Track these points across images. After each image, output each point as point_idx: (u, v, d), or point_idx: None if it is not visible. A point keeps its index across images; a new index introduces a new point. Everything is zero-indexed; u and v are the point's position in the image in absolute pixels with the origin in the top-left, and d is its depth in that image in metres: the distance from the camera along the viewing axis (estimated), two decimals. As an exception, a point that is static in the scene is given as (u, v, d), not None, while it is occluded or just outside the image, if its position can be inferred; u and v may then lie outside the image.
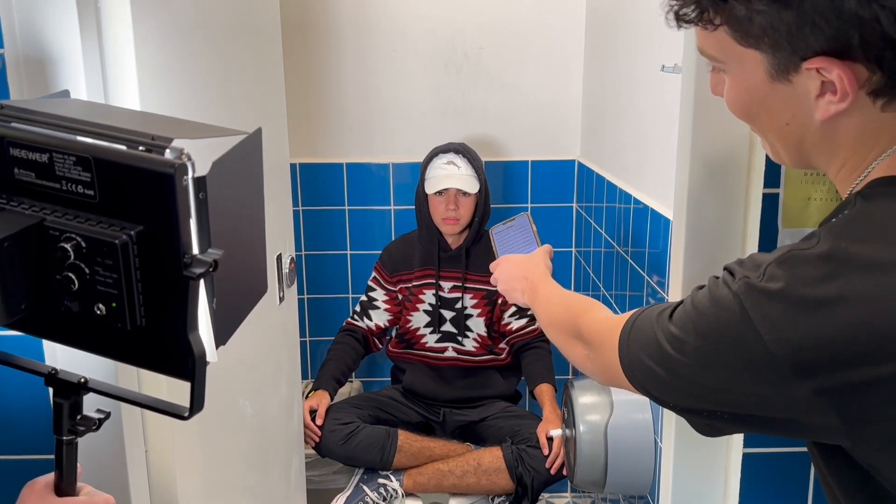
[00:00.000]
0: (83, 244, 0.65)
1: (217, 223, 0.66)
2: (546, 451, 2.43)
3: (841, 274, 0.75)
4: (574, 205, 2.97)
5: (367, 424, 2.54)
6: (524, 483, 2.43)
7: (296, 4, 2.78)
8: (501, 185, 2.93)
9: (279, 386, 2.10)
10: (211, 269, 0.64)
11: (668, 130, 1.79)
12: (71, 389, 0.78)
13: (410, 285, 2.70)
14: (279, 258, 1.99)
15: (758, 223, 1.40)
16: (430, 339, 2.71)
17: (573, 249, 2.99)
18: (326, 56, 2.86)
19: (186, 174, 0.63)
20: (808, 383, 0.75)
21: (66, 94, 0.95)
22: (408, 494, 2.52)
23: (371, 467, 2.55)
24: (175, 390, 0.72)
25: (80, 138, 0.67)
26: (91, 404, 0.81)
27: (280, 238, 2.03)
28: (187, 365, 0.67)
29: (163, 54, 1.41)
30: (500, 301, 2.68)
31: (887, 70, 0.76)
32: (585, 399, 2.01)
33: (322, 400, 2.55)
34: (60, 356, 1.22)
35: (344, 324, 2.81)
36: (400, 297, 2.74)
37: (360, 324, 2.77)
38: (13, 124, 0.70)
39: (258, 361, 1.92)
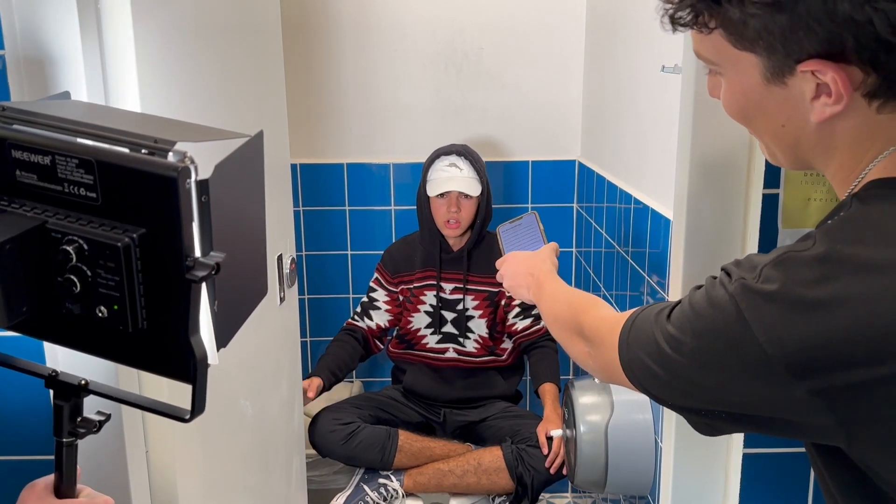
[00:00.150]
0: (85, 247, 0.65)
1: (219, 226, 0.66)
2: (546, 451, 2.43)
3: (836, 276, 0.75)
4: (574, 205, 2.97)
5: (367, 424, 2.55)
6: (524, 483, 2.43)
7: (296, 5, 2.78)
8: (502, 186, 2.93)
9: (280, 386, 2.10)
10: (213, 273, 0.64)
11: (669, 131, 1.79)
12: (71, 392, 0.78)
13: (412, 286, 2.70)
14: (279, 259, 1.99)
15: (758, 223, 1.40)
16: (431, 340, 2.71)
17: (574, 249, 2.99)
18: (327, 56, 2.86)
19: (189, 177, 0.64)
20: (804, 384, 0.75)
21: (66, 95, 0.95)
22: (408, 494, 2.52)
23: (372, 467, 2.55)
24: (176, 392, 0.72)
25: (82, 141, 0.67)
26: (91, 406, 0.82)
27: (280, 238, 2.03)
28: (189, 367, 0.68)
29: (163, 55, 1.41)
30: (502, 302, 2.68)
31: (882, 72, 0.76)
32: (586, 399, 2.01)
33: (313, 382, 2.55)
34: (61, 358, 1.22)
35: (344, 324, 2.81)
36: (401, 297, 2.73)
37: (360, 324, 2.76)
38: (15, 126, 0.70)
39: (259, 362, 1.92)
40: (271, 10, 1.98)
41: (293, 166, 2.77)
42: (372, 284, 2.78)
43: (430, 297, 2.68)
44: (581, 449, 1.96)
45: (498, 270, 1.53)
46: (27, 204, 0.69)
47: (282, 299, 2.02)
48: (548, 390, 2.59)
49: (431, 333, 2.70)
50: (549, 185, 2.95)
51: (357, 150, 2.94)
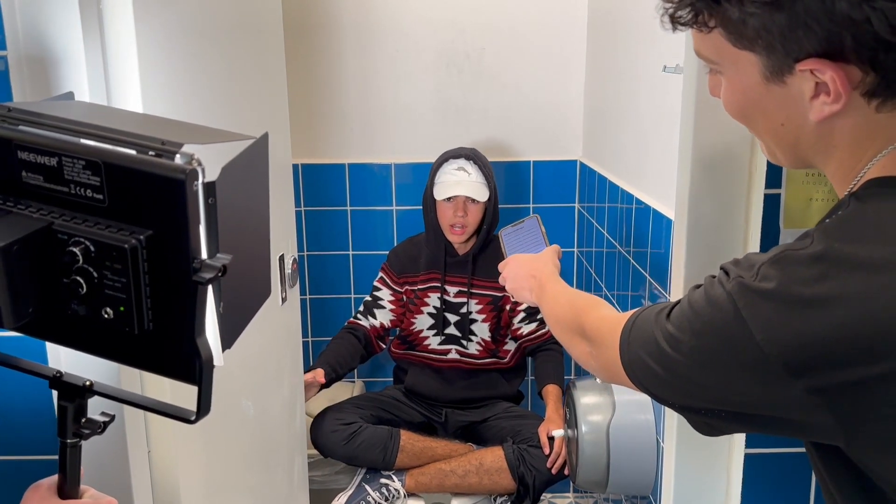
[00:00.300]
0: (92, 248, 0.65)
1: (225, 228, 0.67)
2: (547, 451, 2.43)
3: (834, 274, 0.75)
4: (576, 205, 2.97)
5: (369, 425, 2.55)
6: (526, 482, 2.43)
7: (298, 5, 2.78)
8: (504, 186, 2.93)
9: (281, 386, 2.10)
10: (220, 275, 0.65)
11: (670, 131, 1.79)
12: (76, 392, 0.78)
13: (416, 288, 2.70)
14: (281, 259, 1.99)
15: (759, 224, 1.40)
16: (433, 342, 2.71)
17: (575, 250, 2.99)
18: (328, 57, 2.86)
19: (197, 180, 0.64)
20: (801, 382, 0.76)
21: (70, 96, 0.95)
22: (410, 494, 2.52)
23: (373, 467, 2.55)
24: (178, 392, 0.73)
25: (89, 142, 0.67)
26: (95, 407, 0.82)
27: (282, 239, 2.03)
28: (194, 369, 0.68)
29: (165, 55, 1.41)
30: (508, 307, 2.68)
31: (880, 71, 0.76)
32: (587, 399, 2.01)
33: (318, 372, 2.53)
34: (64, 358, 1.22)
35: (346, 323, 2.80)
36: (405, 298, 2.73)
37: (363, 322, 2.75)
38: (21, 127, 0.70)
39: (260, 362, 1.92)
40: (273, 10, 1.98)
41: (294, 166, 2.77)
42: (376, 283, 2.77)
43: (433, 300, 2.68)
44: (583, 449, 1.97)
45: (500, 273, 1.52)
46: (33, 205, 0.69)
47: (283, 299, 2.02)
48: (551, 391, 2.59)
49: (434, 335, 2.70)
50: (551, 186, 2.95)
51: (359, 150, 2.94)
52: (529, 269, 1.43)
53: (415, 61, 2.86)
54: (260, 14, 1.90)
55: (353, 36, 2.84)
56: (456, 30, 2.83)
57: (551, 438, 2.43)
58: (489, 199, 2.57)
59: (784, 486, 1.51)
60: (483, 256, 2.66)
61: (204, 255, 0.65)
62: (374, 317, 2.75)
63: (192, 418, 0.71)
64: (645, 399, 1.93)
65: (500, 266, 1.52)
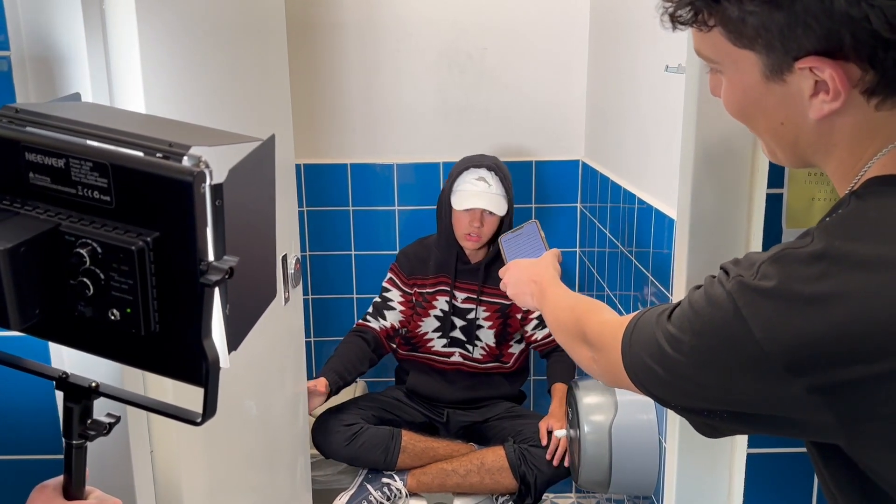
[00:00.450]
0: (99, 250, 0.65)
1: (231, 230, 0.67)
2: (545, 443, 2.44)
3: (834, 272, 0.75)
4: (578, 205, 2.97)
5: (370, 425, 2.55)
6: (527, 482, 2.43)
7: (300, 5, 2.79)
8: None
9: (284, 386, 2.10)
10: (226, 277, 0.65)
11: (672, 130, 1.79)
12: (82, 394, 0.78)
13: (424, 290, 2.68)
14: (284, 259, 1.99)
15: (761, 223, 1.40)
16: (437, 344, 2.71)
17: (577, 250, 2.99)
18: (330, 57, 2.86)
19: (204, 182, 0.64)
20: (802, 381, 0.76)
21: (76, 97, 0.95)
22: (411, 494, 2.53)
23: (375, 468, 2.56)
24: (180, 393, 0.73)
25: (96, 144, 0.67)
26: (100, 408, 0.82)
27: (285, 239, 2.03)
28: (200, 370, 0.68)
29: (168, 55, 1.41)
30: (519, 316, 2.68)
31: (879, 69, 0.77)
32: (590, 399, 2.02)
33: (319, 381, 2.49)
34: (67, 359, 1.22)
35: (354, 325, 2.77)
36: (414, 300, 2.71)
37: (372, 324, 2.72)
38: (28, 129, 0.70)
39: (264, 362, 1.92)
40: (276, 10, 1.98)
41: (297, 167, 2.76)
42: (386, 284, 2.75)
43: (441, 303, 2.67)
44: (585, 449, 1.97)
45: (502, 279, 1.52)
46: (40, 206, 0.69)
47: (287, 299, 2.02)
48: (558, 388, 2.58)
49: (439, 337, 2.70)
50: (553, 186, 2.95)
51: (361, 150, 2.94)
52: (530, 274, 1.43)
53: (417, 61, 2.86)
54: (263, 14, 1.90)
55: (356, 36, 2.84)
56: (458, 30, 2.83)
57: (551, 433, 2.44)
58: (507, 212, 2.56)
59: (786, 486, 1.52)
60: (495, 266, 2.64)
61: (211, 257, 0.66)
62: (384, 318, 2.72)
63: (198, 420, 0.71)
64: (647, 399, 1.92)
65: (501, 272, 1.52)
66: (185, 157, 0.64)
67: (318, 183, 2.96)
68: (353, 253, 3.02)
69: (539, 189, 2.96)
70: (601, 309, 1.17)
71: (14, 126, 0.70)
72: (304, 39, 2.82)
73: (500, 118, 2.91)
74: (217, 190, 0.65)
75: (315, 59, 2.86)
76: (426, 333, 2.71)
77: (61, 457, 0.82)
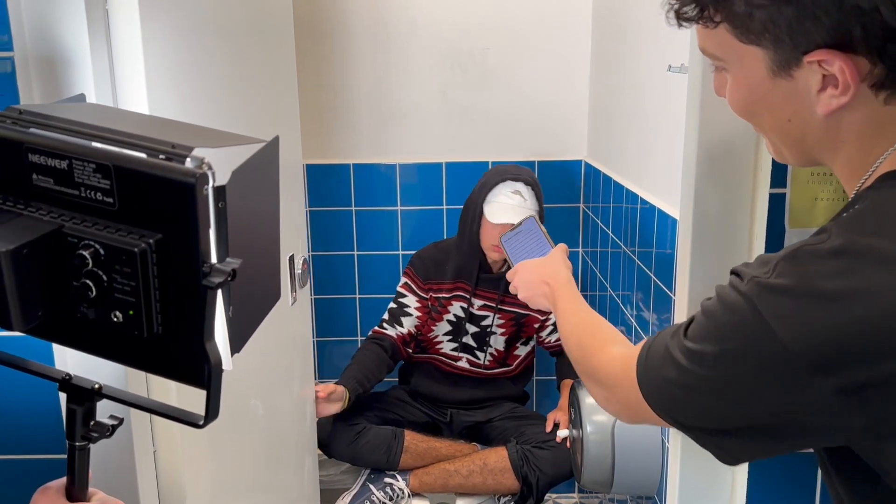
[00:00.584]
0: (101, 251, 0.65)
1: (235, 231, 0.66)
2: (549, 430, 2.45)
3: (857, 267, 0.74)
4: (581, 205, 2.96)
5: (373, 425, 2.55)
6: (529, 483, 2.44)
7: (306, 6, 2.78)
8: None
9: (291, 387, 2.10)
10: (229, 279, 0.64)
11: (675, 130, 1.78)
12: (85, 396, 0.78)
13: (441, 295, 2.65)
14: (291, 259, 1.99)
15: (764, 223, 1.40)
16: (447, 347, 2.69)
17: (580, 250, 2.99)
18: (334, 57, 2.86)
19: (207, 184, 0.64)
20: (830, 382, 0.74)
21: (81, 97, 0.95)
22: (414, 494, 2.53)
23: (378, 468, 2.55)
24: (184, 395, 0.73)
25: (99, 145, 0.67)
26: (103, 409, 0.82)
27: (292, 239, 2.02)
28: (203, 373, 0.68)
29: (173, 55, 1.41)
30: (537, 325, 2.67)
31: (888, 62, 0.76)
32: (592, 399, 2.01)
33: (334, 388, 2.44)
34: (70, 360, 1.22)
35: (370, 332, 2.72)
36: (430, 305, 2.67)
37: (389, 332, 2.66)
38: (32, 130, 0.70)
39: (271, 363, 1.92)
40: (283, 10, 1.98)
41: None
42: (401, 290, 2.69)
43: (456, 308, 2.64)
44: (588, 449, 1.97)
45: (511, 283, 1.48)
46: (43, 208, 0.69)
47: (294, 300, 2.02)
48: (567, 384, 2.58)
49: (448, 341, 2.68)
50: (556, 186, 2.94)
51: (364, 150, 2.94)
52: (540, 275, 1.40)
53: (419, 61, 2.86)
54: (270, 15, 1.90)
55: (361, 36, 2.84)
56: (460, 30, 2.83)
57: (556, 426, 2.45)
58: None
59: (789, 486, 1.51)
60: None
61: (214, 258, 0.65)
62: (401, 325, 2.66)
63: (201, 423, 0.71)
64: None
65: (509, 275, 1.47)
66: (188, 159, 0.64)
67: (322, 183, 2.95)
68: (355, 253, 3.02)
69: (542, 189, 2.95)
70: (609, 342, 1.12)
71: (17, 127, 0.70)
72: (308, 40, 2.81)
73: (502, 118, 2.91)
74: (220, 192, 0.64)
75: (319, 59, 2.85)
76: (437, 336, 2.69)
77: (65, 456, 0.82)
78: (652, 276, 1.98)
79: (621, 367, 0.99)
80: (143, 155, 0.65)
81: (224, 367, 0.67)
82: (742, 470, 1.51)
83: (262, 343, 1.82)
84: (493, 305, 2.62)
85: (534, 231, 1.57)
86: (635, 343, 1.06)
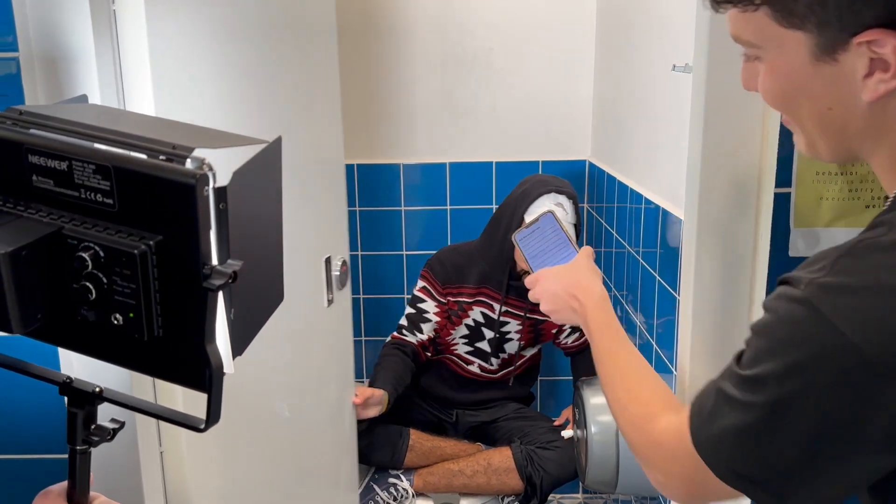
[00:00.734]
0: (101, 253, 0.64)
1: (236, 233, 0.65)
2: (559, 423, 2.46)
3: None
4: (585, 205, 2.95)
5: (379, 423, 2.54)
6: (533, 483, 2.43)
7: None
8: (513, 187, 2.92)
9: (327, 389, 2.05)
10: (230, 281, 0.63)
11: (680, 130, 1.77)
12: (86, 399, 0.77)
13: (461, 300, 2.59)
14: (328, 261, 1.95)
15: (769, 223, 1.39)
16: (462, 349, 2.67)
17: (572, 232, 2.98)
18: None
19: (208, 185, 0.63)
20: None
21: (84, 98, 0.95)
22: (418, 494, 2.52)
23: (382, 466, 2.55)
24: (190, 397, 0.72)
25: (99, 146, 0.66)
26: (105, 412, 0.81)
27: (330, 240, 1.99)
28: (204, 376, 0.67)
29: (182, 55, 1.40)
30: (554, 330, 2.65)
31: None
32: (597, 400, 2.00)
33: (375, 392, 2.38)
34: (76, 362, 1.21)
35: (389, 338, 2.65)
36: (449, 310, 2.62)
37: (409, 338, 2.60)
38: (32, 131, 0.69)
39: (301, 363, 1.88)
40: (326, 11, 1.93)
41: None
42: (419, 294, 2.61)
43: (476, 313, 2.60)
44: (592, 449, 1.96)
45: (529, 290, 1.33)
46: (43, 209, 0.68)
47: (329, 301, 1.97)
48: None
49: (464, 343, 2.66)
50: (560, 186, 2.94)
51: (363, 151, 2.93)
52: (567, 286, 1.24)
53: (423, 62, 2.85)
54: (309, 15, 1.86)
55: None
56: (464, 30, 2.82)
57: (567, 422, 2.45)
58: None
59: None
60: None
61: (214, 260, 0.64)
62: (421, 332, 2.60)
63: (202, 427, 0.70)
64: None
65: (528, 282, 1.32)
66: (189, 160, 0.63)
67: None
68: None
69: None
70: (660, 409, 0.96)
71: (17, 128, 0.69)
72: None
73: (506, 118, 2.90)
74: (221, 193, 0.63)
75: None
76: (454, 339, 2.66)
77: (67, 456, 0.82)
78: (656, 276, 1.97)
79: (676, 437, 0.86)
80: (143, 156, 0.64)
81: (226, 371, 0.66)
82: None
83: (292, 345, 1.80)
84: (519, 314, 2.58)
85: (552, 229, 1.41)
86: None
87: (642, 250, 2.12)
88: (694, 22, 1.41)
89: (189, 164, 0.63)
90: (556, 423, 2.48)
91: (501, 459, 2.46)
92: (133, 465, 1.35)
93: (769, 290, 1.36)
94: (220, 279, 0.63)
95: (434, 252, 2.71)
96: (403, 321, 2.64)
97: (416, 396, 2.73)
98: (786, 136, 1.32)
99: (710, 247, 1.45)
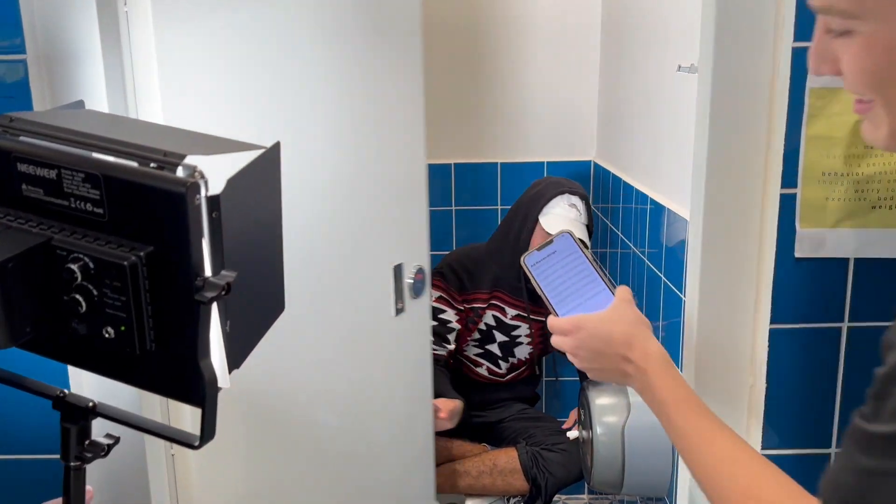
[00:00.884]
0: (91, 265, 0.61)
1: (231, 242, 0.63)
2: (568, 426, 2.43)
3: None
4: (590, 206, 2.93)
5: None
6: (538, 484, 2.42)
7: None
8: (517, 187, 2.90)
9: (392, 398, 1.96)
10: (223, 293, 0.60)
11: (685, 131, 1.76)
12: (79, 414, 0.74)
13: (475, 306, 2.56)
14: (398, 268, 1.86)
15: (775, 223, 1.37)
16: (472, 351, 2.65)
17: (590, 251, 2.96)
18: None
19: (199, 193, 0.60)
20: None
21: (80, 104, 0.92)
22: (424, 494, 2.51)
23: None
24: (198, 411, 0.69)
25: (88, 153, 0.63)
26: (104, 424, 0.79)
27: (400, 246, 1.89)
28: (199, 391, 0.64)
29: (193, 58, 1.38)
30: None
31: None
32: (602, 400, 1.98)
33: (457, 402, 2.33)
34: (84, 373, 1.20)
35: None
36: (467, 316, 2.57)
37: (440, 352, 2.51)
38: (22, 138, 0.67)
39: (359, 372, 1.82)
40: (411, 10, 1.85)
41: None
42: (438, 305, 2.51)
43: (488, 317, 2.57)
44: (598, 450, 1.94)
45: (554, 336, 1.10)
46: (33, 219, 0.65)
47: (399, 310, 1.89)
48: None
49: (475, 346, 2.64)
50: (565, 186, 2.92)
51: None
52: (615, 347, 0.98)
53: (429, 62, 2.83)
54: (396, 15, 1.81)
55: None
56: (470, 30, 2.80)
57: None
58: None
59: (802, 485, 1.48)
60: None
61: (208, 271, 0.61)
62: (449, 342, 2.52)
63: (196, 444, 0.67)
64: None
65: (557, 328, 1.04)
66: (180, 168, 0.60)
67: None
68: None
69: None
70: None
71: (7, 136, 0.67)
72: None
73: (511, 119, 2.88)
74: (214, 201, 0.61)
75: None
76: (465, 342, 2.65)
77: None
78: (662, 277, 1.96)
79: None
80: (133, 164, 0.62)
81: (221, 385, 0.63)
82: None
83: (348, 353, 1.75)
84: (531, 318, 2.55)
85: (573, 254, 1.11)
86: None
87: (648, 251, 2.11)
88: (699, 22, 1.39)
89: (180, 172, 0.60)
90: (564, 427, 2.45)
91: (507, 460, 2.45)
92: (141, 468, 1.33)
93: (775, 291, 1.35)
94: (212, 291, 0.60)
95: (438, 254, 2.67)
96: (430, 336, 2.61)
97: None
98: (792, 137, 1.31)
99: (715, 248, 1.43)
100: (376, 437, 1.92)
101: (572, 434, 2.33)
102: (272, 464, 1.65)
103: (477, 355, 2.64)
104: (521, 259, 1.14)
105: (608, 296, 1.06)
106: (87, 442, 0.76)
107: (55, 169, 0.63)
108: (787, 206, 1.36)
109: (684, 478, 1.58)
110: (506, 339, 2.59)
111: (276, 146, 0.70)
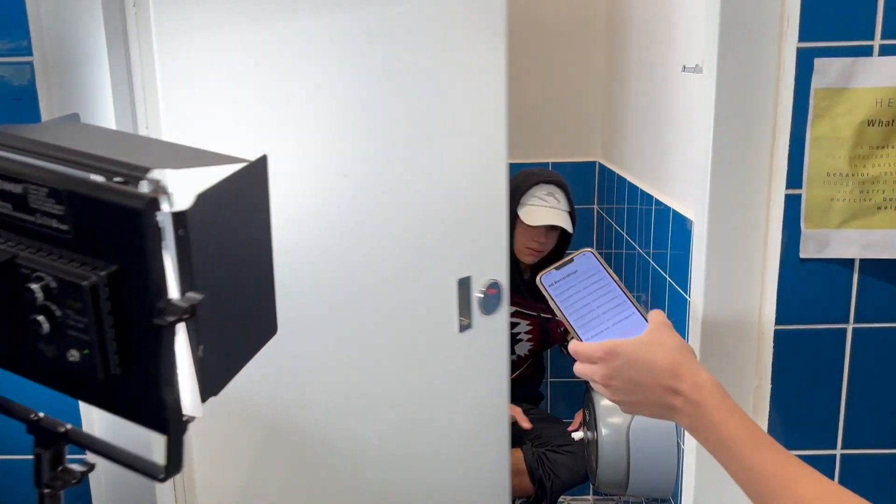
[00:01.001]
0: (53, 284, 0.57)
1: (207, 262, 0.57)
2: (574, 427, 2.40)
3: None
4: (595, 206, 2.91)
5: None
6: (544, 486, 2.39)
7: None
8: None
9: (453, 418, 1.86)
10: (186, 316, 0.55)
11: (690, 131, 1.73)
12: (51, 439, 0.70)
13: None
14: (466, 282, 1.74)
15: (780, 224, 1.34)
16: None
17: (594, 252, 2.92)
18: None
19: (159, 209, 0.54)
20: None
21: (75, 117, 0.88)
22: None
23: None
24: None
25: (53, 167, 0.58)
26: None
27: (467, 259, 1.76)
28: (166, 418, 0.59)
29: (196, 59, 1.34)
30: (561, 329, 2.58)
31: None
32: (607, 401, 1.94)
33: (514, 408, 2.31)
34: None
35: None
36: None
37: None
38: None
39: (413, 390, 1.75)
40: (496, 11, 1.77)
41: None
42: None
43: None
44: (603, 451, 1.91)
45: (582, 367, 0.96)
46: (3, 235, 0.61)
47: (465, 326, 1.76)
48: None
49: None
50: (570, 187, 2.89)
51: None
52: (660, 378, 0.86)
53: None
54: (478, 12, 1.73)
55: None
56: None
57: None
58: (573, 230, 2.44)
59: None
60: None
61: (174, 293, 0.56)
62: None
63: (161, 476, 0.61)
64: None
65: (581, 353, 0.91)
66: (143, 182, 0.55)
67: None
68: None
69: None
70: None
71: None
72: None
73: (516, 119, 2.85)
74: (180, 218, 0.55)
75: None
76: None
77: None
78: (667, 277, 1.93)
79: None
80: (98, 178, 0.57)
81: (191, 413, 0.58)
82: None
83: (403, 371, 1.70)
84: (529, 314, 2.52)
85: (597, 275, 1.00)
86: None
87: (653, 252, 2.08)
88: (704, 23, 1.38)
89: (144, 187, 0.55)
90: (570, 429, 2.41)
91: (513, 461, 2.42)
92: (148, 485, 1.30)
93: (780, 291, 1.34)
94: (173, 314, 0.55)
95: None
96: None
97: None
98: (797, 137, 1.29)
99: (720, 248, 1.41)
100: (432, 455, 1.82)
101: (577, 435, 2.30)
102: (300, 479, 1.62)
103: None
104: (538, 278, 1.01)
105: (639, 320, 0.93)
106: (59, 468, 0.71)
107: (21, 183, 0.58)
108: (792, 207, 1.34)
109: (689, 478, 1.55)
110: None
111: (263, 159, 0.65)
